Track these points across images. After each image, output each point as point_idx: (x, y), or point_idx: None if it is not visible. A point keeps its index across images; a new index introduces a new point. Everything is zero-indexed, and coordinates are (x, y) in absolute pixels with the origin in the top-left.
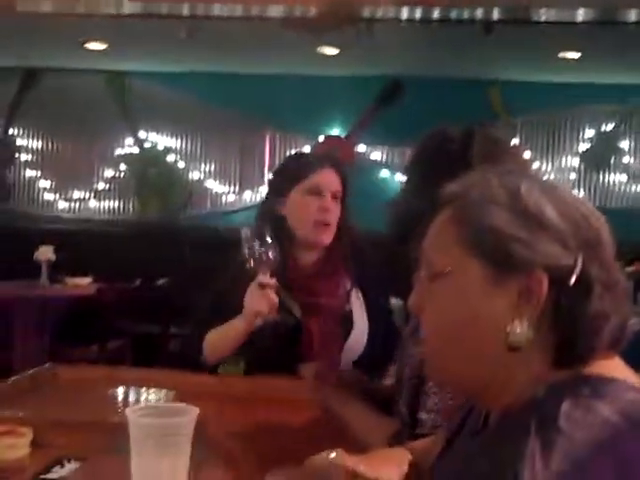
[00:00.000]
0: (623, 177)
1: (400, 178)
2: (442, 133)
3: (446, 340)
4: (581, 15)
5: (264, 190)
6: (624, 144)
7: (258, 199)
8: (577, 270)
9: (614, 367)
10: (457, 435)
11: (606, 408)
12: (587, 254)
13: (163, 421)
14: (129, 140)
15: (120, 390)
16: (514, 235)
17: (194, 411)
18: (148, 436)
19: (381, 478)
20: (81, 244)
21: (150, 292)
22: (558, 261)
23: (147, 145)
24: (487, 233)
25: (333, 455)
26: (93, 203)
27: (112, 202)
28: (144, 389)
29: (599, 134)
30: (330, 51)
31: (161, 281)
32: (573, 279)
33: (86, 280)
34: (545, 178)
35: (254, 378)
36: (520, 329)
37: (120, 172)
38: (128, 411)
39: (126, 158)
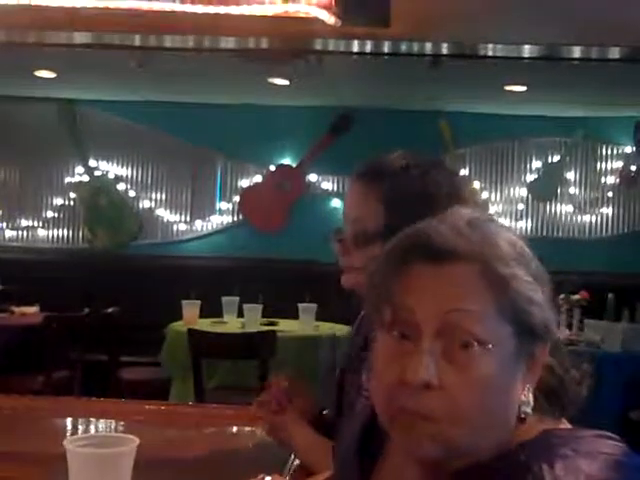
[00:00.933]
0: (569, 207)
1: None
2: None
3: (484, 414)
4: (527, 51)
5: (216, 219)
6: (570, 175)
7: (209, 228)
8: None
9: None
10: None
11: (589, 466)
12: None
13: (102, 451)
14: (79, 168)
15: (66, 421)
16: (539, 304)
17: (134, 442)
18: (86, 466)
19: None
20: (29, 273)
21: (99, 321)
22: (555, 327)
23: (97, 173)
24: (520, 302)
25: (268, 479)
26: (42, 232)
27: (61, 231)
28: (91, 419)
29: (546, 165)
30: (281, 82)
31: (110, 310)
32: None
33: (33, 309)
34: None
35: (202, 406)
36: (527, 398)
37: (69, 200)
38: (66, 442)
39: (76, 186)
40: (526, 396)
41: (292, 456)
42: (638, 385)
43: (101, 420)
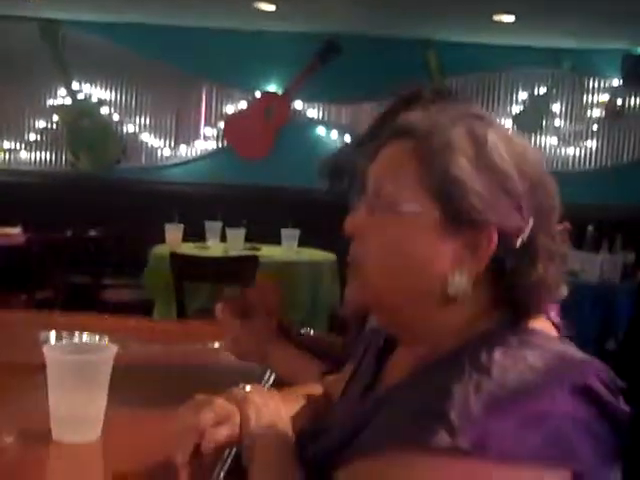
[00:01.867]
0: (554, 140)
1: (336, 135)
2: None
3: (386, 274)
4: None
5: (200, 145)
6: (556, 107)
7: (194, 154)
8: (525, 234)
9: (544, 319)
10: (358, 372)
11: (533, 357)
12: (537, 220)
13: (80, 357)
14: (62, 91)
15: (49, 333)
16: (475, 189)
17: (112, 349)
18: (65, 373)
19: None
20: (11, 195)
21: (82, 243)
22: (510, 222)
23: (80, 96)
24: (448, 183)
25: (248, 388)
26: (24, 154)
27: (44, 153)
28: (75, 332)
29: (532, 97)
30: (267, 7)
31: (93, 232)
32: (519, 242)
33: (16, 230)
34: (508, 128)
35: (186, 321)
36: (459, 281)
37: (52, 123)
38: (46, 348)
39: (58, 109)
40: (455, 276)
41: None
42: (614, 316)
43: (84, 333)
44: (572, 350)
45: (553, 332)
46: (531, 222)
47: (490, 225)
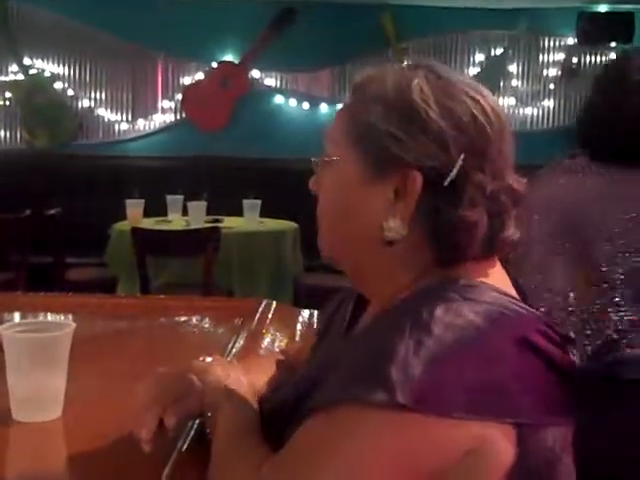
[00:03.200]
0: (512, 100)
1: (294, 103)
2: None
3: (330, 224)
4: None
5: (158, 118)
6: (512, 68)
7: (152, 127)
8: (452, 174)
9: (490, 273)
10: (325, 333)
11: (471, 312)
12: (470, 159)
13: (35, 336)
14: (13, 67)
15: (15, 315)
16: (388, 131)
17: (69, 326)
18: (21, 351)
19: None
20: None
21: (41, 222)
22: (433, 162)
23: (33, 72)
24: (366, 129)
25: (209, 360)
26: None
27: None
28: (39, 313)
29: (489, 58)
30: None
31: (52, 211)
32: (446, 182)
33: None
34: (448, 70)
35: (149, 297)
36: (394, 225)
37: (5, 100)
38: (1, 328)
39: (10, 86)
40: (389, 221)
41: (234, 340)
42: None
43: (48, 314)
44: (513, 304)
45: (501, 283)
46: (460, 162)
47: (411, 166)
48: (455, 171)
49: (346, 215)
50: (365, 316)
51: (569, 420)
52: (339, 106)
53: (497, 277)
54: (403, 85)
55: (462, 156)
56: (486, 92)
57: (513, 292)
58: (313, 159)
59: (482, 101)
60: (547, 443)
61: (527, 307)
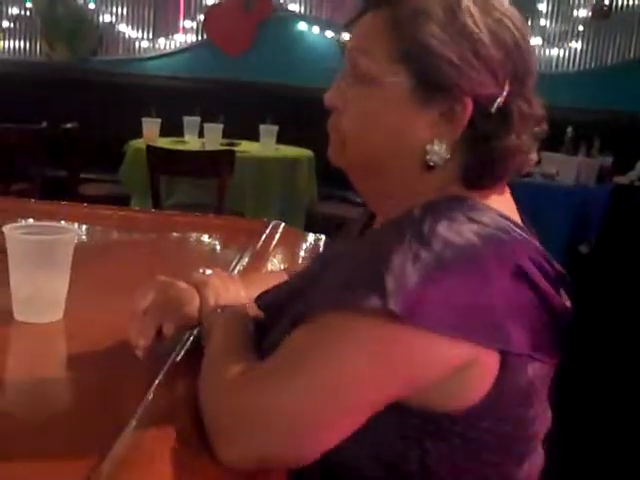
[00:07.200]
0: (538, 40)
1: (317, 31)
2: None
3: (367, 145)
4: None
5: (179, 38)
6: (542, 6)
7: (172, 47)
8: (501, 100)
9: (500, 200)
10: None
11: (471, 231)
12: (513, 85)
13: (39, 238)
14: None
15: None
16: (446, 56)
17: (73, 231)
18: (25, 252)
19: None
20: None
21: (57, 136)
22: (484, 89)
23: None
24: (420, 50)
25: (209, 272)
26: None
27: (17, 42)
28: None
29: None
30: None
31: (69, 125)
32: (494, 108)
33: None
34: None
35: (161, 212)
36: (438, 148)
37: (25, 10)
38: (6, 228)
39: None
40: (434, 145)
41: (239, 258)
42: (588, 218)
43: (62, 222)
44: (513, 230)
45: (510, 208)
46: (507, 88)
47: (464, 92)
48: (504, 97)
49: (387, 135)
50: (372, 228)
51: (553, 360)
52: None
53: (508, 202)
54: (453, 5)
55: (508, 82)
56: (521, 18)
57: (518, 219)
58: (335, 71)
59: (522, 27)
60: (527, 376)
61: (527, 236)
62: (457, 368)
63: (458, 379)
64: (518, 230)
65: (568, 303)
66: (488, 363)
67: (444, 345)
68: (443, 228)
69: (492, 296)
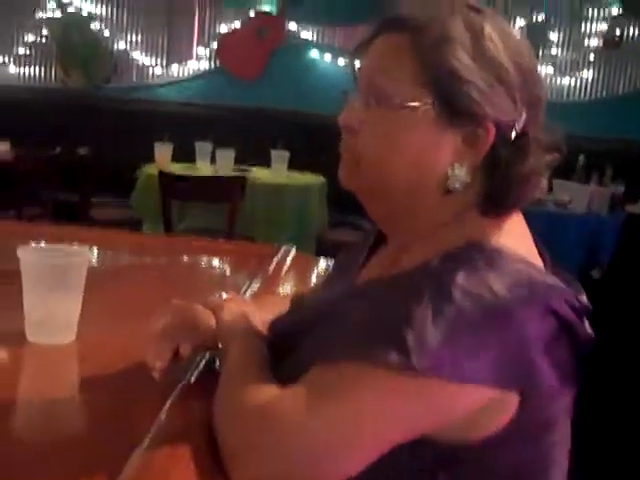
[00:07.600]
0: (549, 69)
1: (329, 58)
2: None
3: (385, 167)
4: None
5: (192, 65)
6: (553, 36)
7: (186, 73)
8: (519, 126)
9: (515, 227)
10: (339, 270)
11: (497, 281)
12: (529, 112)
13: (53, 260)
14: (51, 3)
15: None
16: (472, 81)
17: (86, 253)
18: (38, 274)
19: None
20: (0, 110)
21: (71, 160)
22: (506, 115)
23: (70, 10)
24: (446, 75)
25: (225, 296)
26: (13, 69)
27: (33, 68)
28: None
29: (530, 24)
30: None
31: (82, 150)
32: (513, 134)
33: (3, 146)
34: (503, 20)
35: (174, 237)
36: (459, 173)
37: (41, 37)
38: (20, 251)
39: (48, 22)
40: (455, 169)
41: (250, 282)
42: (600, 246)
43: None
44: (537, 273)
45: (524, 234)
46: (524, 114)
47: (488, 117)
48: (522, 123)
49: (408, 159)
50: (382, 251)
51: (574, 390)
52: None
53: (522, 228)
54: (477, 31)
55: (524, 108)
56: (529, 46)
57: (532, 244)
58: (349, 92)
59: (532, 55)
60: (550, 407)
61: (552, 277)
62: (481, 408)
63: (479, 415)
64: (537, 270)
65: (590, 331)
66: (512, 399)
67: (469, 394)
68: (463, 278)
69: (518, 343)
